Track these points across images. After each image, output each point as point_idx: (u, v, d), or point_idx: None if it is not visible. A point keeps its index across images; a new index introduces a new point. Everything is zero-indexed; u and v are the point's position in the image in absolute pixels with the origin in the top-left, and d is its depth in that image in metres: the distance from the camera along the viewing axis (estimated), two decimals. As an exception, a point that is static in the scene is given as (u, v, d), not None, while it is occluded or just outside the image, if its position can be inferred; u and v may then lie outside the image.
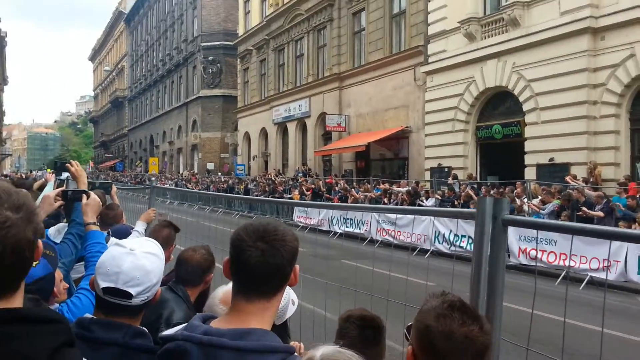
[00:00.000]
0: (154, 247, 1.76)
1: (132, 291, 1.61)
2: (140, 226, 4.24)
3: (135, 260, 1.64)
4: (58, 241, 3.37)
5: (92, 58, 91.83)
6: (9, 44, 65.77)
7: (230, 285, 2.13)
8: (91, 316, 1.68)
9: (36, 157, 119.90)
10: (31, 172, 49.41)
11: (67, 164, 3.09)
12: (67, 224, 3.71)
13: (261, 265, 1.37)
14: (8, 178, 11.96)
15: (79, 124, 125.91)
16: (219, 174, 37.28)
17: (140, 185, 25.08)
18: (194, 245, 2.92)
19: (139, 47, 62.32)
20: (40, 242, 1.18)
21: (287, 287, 1.55)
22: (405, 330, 1.48)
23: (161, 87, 54.40)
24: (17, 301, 1.13)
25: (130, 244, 1.72)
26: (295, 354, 1.37)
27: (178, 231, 3.53)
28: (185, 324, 1.47)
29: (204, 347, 1.33)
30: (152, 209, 4.56)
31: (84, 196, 2.68)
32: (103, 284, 1.62)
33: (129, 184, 34.96)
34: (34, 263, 2.17)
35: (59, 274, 2.45)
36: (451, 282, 2.17)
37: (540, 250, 11.31)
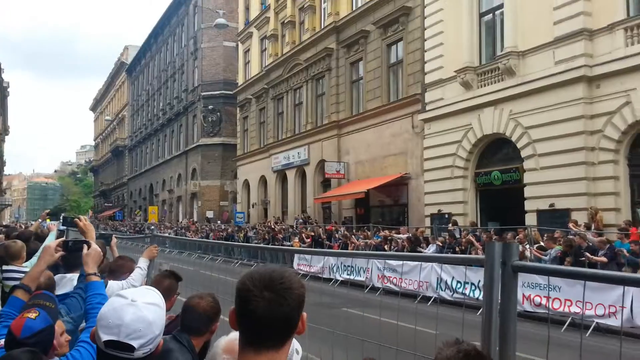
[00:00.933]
0: (156, 297, 1.73)
1: (135, 344, 1.57)
2: (143, 263, 4.21)
3: (137, 312, 1.61)
4: (62, 292, 3.33)
5: (93, 108, 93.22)
6: (11, 94, 66.67)
7: (232, 334, 2.09)
8: None
9: (36, 207, 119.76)
10: (30, 223, 49.25)
11: (75, 219, 3.13)
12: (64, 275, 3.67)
13: (269, 316, 1.34)
14: (8, 228, 11.90)
15: (79, 173, 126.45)
16: (218, 222, 37.15)
17: (140, 234, 24.95)
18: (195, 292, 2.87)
19: (140, 96, 63.39)
20: None
21: None
22: None
23: (161, 136, 54.96)
24: None
25: (131, 294, 1.69)
26: None
27: (180, 280, 3.49)
28: None
29: None
30: (154, 246, 4.55)
31: (85, 246, 2.67)
32: (105, 337, 1.58)
33: (128, 233, 34.79)
34: (33, 315, 2.13)
35: (60, 326, 2.40)
36: (461, 331, 2.12)
37: (544, 297, 11.15)
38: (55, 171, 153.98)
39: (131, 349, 1.57)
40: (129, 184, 66.53)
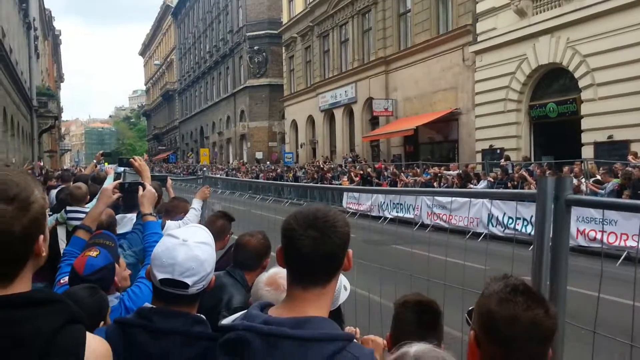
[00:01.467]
0: (206, 235, 1.79)
1: (189, 281, 1.65)
2: (197, 203, 4.37)
3: (189, 251, 1.67)
4: (123, 231, 3.51)
5: (142, 53, 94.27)
6: (63, 42, 68.19)
7: (274, 269, 2.17)
8: (151, 306, 1.72)
9: (94, 152, 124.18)
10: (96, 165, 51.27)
11: (131, 159, 3.22)
12: (125, 215, 3.85)
13: (314, 254, 1.37)
14: (64, 172, 12.47)
15: (133, 118, 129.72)
16: (267, 162, 37.69)
17: (193, 175, 25.68)
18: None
19: (186, 40, 63.54)
20: (42, 236, 1.19)
21: None
22: (466, 315, 1.45)
23: (209, 79, 55.34)
24: (12, 291, 1.15)
25: (182, 234, 1.74)
26: (355, 340, 1.37)
27: (232, 221, 3.60)
28: (244, 312, 1.48)
29: (265, 337, 1.34)
30: (207, 187, 4.71)
31: (140, 188, 2.77)
32: (160, 276, 1.66)
33: (181, 175, 35.87)
34: (95, 254, 2.25)
35: (121, 263, 2.55)
36: (511, 266, 2.11)
37: (599, 231, 10.88)
38: (110, 116, 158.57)
39: (185, 286, 1.65)
40: (180, 127, 67.97)
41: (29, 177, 1.20)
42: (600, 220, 10.81)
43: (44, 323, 1.13)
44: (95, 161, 8.86)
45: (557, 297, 1.63)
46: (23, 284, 1.17)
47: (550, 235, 1.66)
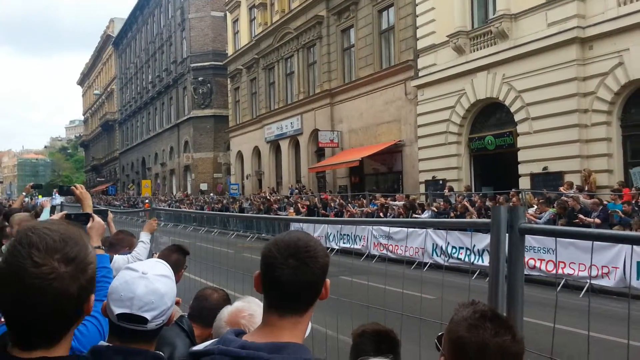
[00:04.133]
0: (165, 269, 1.73)
1: (148, 316, 1.57)
2: (145, 237, 4.20)
3: (149, 284, 1.60)
4: None
5: (81, 82, 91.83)
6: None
7: (236, 303, 2.09)
8: (107, 344, 1.62)
9: (27, 183, 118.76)
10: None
11: (72, 187, 3.09)
12: None
13: (293, 283, 1.37)
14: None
15: (69, 148, 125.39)
16: (211, 194, 37.14)
17: (134, 208, 24.92)
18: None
19: (128, 69, 62.44)
20: (92, 296, 1.17)
21: None
22: (436, 341, 1.47)
23: (152, 109, 54.40)
24: (57, 352, 1.12)
25: (141, 267, 1.68)
26: None
27: (187, 254, 3.48)
28: (218, 339, 1.46)
29: None
30: (154, 219, 4.54)
31: (91, 219, 2.64)
32: (117, 311, 1.57)
33: (121, 207, 34.72)
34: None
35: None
36: (462, 295, 2.12)
37: (538, 259, 11.29)
38: (45, 147, 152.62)
39: (144, 321, 1.56)
40: (120, 158, 66.13)
41: (84, 233, 1.18)
42: (539, 248, 11.22)
43: None
44: (24, 193, 8.44)
45: (514, 322, 1.65)
46: (65, 346, 1.15)
47: (505, 264, 1.69)
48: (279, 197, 26.03)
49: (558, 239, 10.61)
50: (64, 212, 3.01)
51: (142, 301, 1.57)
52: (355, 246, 16.37)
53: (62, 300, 1.08)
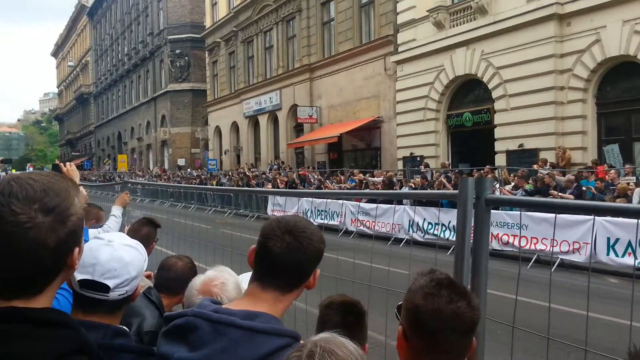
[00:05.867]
0: (134, 241, 1.70)
1: (110, 283, 1.53)
2: (116, 210, 4.13)
3: (113, 252, 1.57)
4: None
5: (54, 54, 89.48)
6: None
7: (208, 272, 2.06)
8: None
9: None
10: None
11: (60, 164, 3.10)
12: None
13: (283, 257, 1.40)
14: None
15: (44, 122, 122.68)
16: (189, 169, 36.81)
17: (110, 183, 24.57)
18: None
19: (103, 41, 60.93)
20: (77, 249, 1.15)
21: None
22: (395, 310, 1.48)
23: (127, 82, 53.35)
24: (37, 304, 1.10)
25: (109, 236, 1.65)
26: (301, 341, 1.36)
27: (158, 227, 3.44)
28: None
29: (213, 324, 1.35)
30: (126, 193, 4.46)
31: None
32: (79, 277, 1.53)
33: (97, 182, 34.22)
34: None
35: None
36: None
37: (512, 235, 11.48)
38: (19, 120, 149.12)
39: (106, 288, 1.53)
40: (96, 132, 64.99)
41: (71, 185, 1.16)
42: (513, 224, 11.41)
43: (47, 347, 1.06)
44: None
45: (478, 292, 1.66)
46: (48, 298, 1.13)
47: (472, 235, 1.68)
48: (257, 173, 25.93)
49: (531, 214, 10.83)
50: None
51: (105, 267, 1.54)
52: (333, 222, 16.44)
53: (38, 250, 1.06)
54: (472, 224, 1.70)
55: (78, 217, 1.15)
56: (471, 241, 1.72)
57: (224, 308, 1.40)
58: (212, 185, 27.51)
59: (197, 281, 2.08)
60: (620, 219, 9.69)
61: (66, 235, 1.10)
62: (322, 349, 1.00)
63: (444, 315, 1.31)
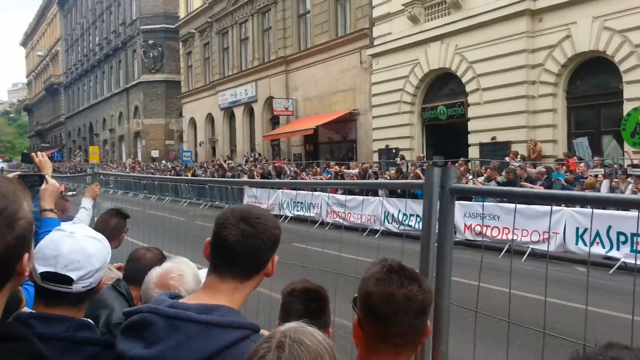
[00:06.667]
0: (97, 233, 1.67)
1: (73, 275, 1.50)
2: (87, 202, 4.05)
3: (76, 243, 1.54)
4: None
5: (24, 43, 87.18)
6: None
7: (164, 265, 2.04)
8: (30, 310, 1.55)
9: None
10: None
11: (32, 155, 3.03)
12: None
13: (239, 245, 1.39)
14: None
15: (12, 112, 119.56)
16: (164, 161, 36.39)
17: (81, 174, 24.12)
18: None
19: (73, 30, 59.61)
20: (27, 255, 1.08)
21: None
22: (352, 303, 1.48)
23: (99, 73, 52.35)
24: None
25: (71, 227, 1.61)
26: (261, 331, 1.37)
27: (127, 218, 3.41)
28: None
29: (169, 320, 1.34)
30: (96, 184, 4.38)
31: (45, 181, 2.56)
32: (41, 269, 1.49)
33: (68, 174, 33.60)
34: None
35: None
36: (401, 260, 2.16)
37: (484, 225, 11.68)
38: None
39: (69, 281, 1.50)
40: (66, 123, 63.66)
41: (19, 188, 1.09)
42: (485, 215, 11.60)
43: None
44: None
45: (443, 278, 1.70)
46: None
47: (437, 222, 1.73)
48: (233, 165, 25.79)
49: (503, 205, 11.05)
50: (18, 172, 2.94)
51: (67, 259, 1.51)
52: (309, 214, 16.47)
53: None
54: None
55: (27, 221, 1.07)
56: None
57: (180, 303, 1.39)
58: (188, 176, 27.24)
59: (154, 274, 2.04)
60: (588, 210, 9.95)
61: (14, 240, 1.03)
62: (291, 339, 1.01)
63: (396, 298, 1.33)
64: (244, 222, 1.40)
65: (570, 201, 8.78)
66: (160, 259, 2.64)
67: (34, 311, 1.54)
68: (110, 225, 3.14)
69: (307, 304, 1.89)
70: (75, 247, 1.53)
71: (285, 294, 1.97)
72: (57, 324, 1.50)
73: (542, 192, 1.79)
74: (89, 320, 1.60)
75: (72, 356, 1.47)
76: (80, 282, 1.51)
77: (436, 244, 1.75)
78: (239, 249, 1.39)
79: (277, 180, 18.97)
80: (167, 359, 1.31)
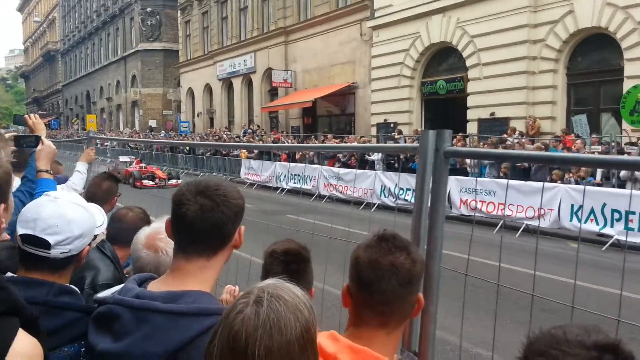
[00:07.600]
0: (83, 201, 1.66)
1: (50, 240, 1.49)
2: (81, 166, 4.02)
3: (57, 208, 1.53)
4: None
5: (20, 9, 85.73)
6: None
7: (152, 225, 2.03)
8: (11, 275, 1.55)
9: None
10: None
11: (25, 117, 2.99)
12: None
13: (200, 221, 1.32)
14: None
15: (9, 79, 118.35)
16: (162, 131, 36.23)
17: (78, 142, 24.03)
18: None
19: (71, -4, 58.64)
20: (3, 205, 1.07)
21: None
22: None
23: (96, 40, 51.68)
24: None
25: (56, 193, 1.61)
26: None
27: (119, 182, 3.39)
28: (121, 286, 1.41)
29: (135, 311, 1.29)
30: (91, 148, 4.34)
31: (40, 142, 2.55)
32: (21, 231, 1.50)
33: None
34: None
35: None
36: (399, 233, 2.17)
37: (480, 200, 11.72)
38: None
39: (47, 245, 1.49)
40: (63, 90, 63.10)
41: None
42: (481, 190, 11.64)
43: None
44: None
45: (435, 241, 1.71)
46: None
47: (431, 185, 1.73)
48: (232, 136, 25.71)
49: (499, 181, 11.07)
50: (14, 133, 2.93)
51: (46, 223, 1.50)
52: (306, 186, 16.51)
53: None
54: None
55: (4, 170, 1.05)
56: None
57: (146, 292, 1.33)
58: (185, 147, 27.17)
59: (142, 235, 2.02)
60: (582, 187, 9.99)
61: None
62: (269, 295, 0.99)
63: (381, 264, 1.33)
64: (202, 196, 1.33)
65: (565, 163, 8.78)
66: (142, 218, 2.62)
67: (14, 275, 1.55)
68: (103, 188, 3.11)
69: (288, 265, 1.86)
70: (55, 212, 1.53)
71: (267, 255, 1.95)
72: (37, 288, 1.50)
73: (536, 154, 1.79)
74: (72, 286, 1.59)
75: (51, 321, 1.46)
76: (59, 247, 1.51)
77: (429, 205, 1.75)
78: (200, 225, 1.32)
79: (279, 144, 18.95)
80: (135, 353, 1.25)
